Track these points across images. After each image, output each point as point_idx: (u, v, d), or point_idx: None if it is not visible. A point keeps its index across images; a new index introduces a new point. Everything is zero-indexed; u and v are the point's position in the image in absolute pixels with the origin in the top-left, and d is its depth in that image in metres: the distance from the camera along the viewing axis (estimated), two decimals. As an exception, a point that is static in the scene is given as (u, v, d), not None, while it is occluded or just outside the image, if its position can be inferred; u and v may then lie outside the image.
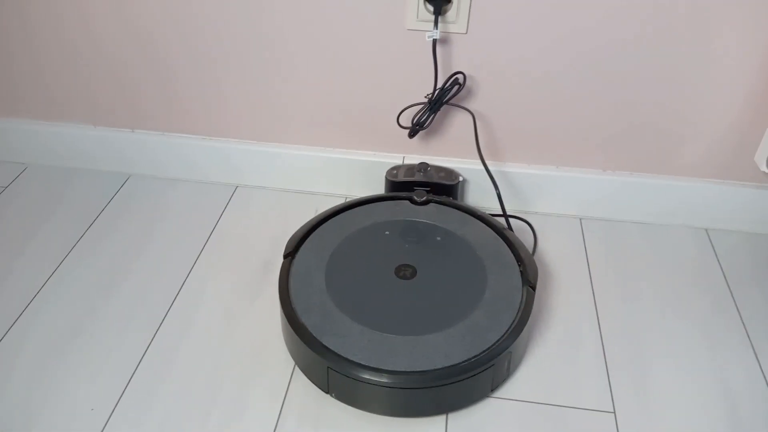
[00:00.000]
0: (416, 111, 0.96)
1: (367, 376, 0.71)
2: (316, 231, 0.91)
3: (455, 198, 1.01)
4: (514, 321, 0.78)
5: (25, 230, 1.03)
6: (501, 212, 0.98)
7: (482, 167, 0.96)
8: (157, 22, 0.97)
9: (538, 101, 0.96)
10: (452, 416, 0.76)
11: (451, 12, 0.88)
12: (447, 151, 1.04)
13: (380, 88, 0.98)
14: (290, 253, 0.87)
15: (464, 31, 0.90)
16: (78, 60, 1.04)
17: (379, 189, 1.06)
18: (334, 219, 0.93)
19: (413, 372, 0.72)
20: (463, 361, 0.73)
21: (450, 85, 0.93)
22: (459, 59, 0.93)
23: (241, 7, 0.93)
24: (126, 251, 0.99)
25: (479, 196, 1.07)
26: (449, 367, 0.72)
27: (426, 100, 0.95)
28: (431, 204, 0.95)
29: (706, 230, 1.05)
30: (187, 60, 1.01)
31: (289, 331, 0.78)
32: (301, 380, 0.80)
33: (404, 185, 1.00)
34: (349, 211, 0.94)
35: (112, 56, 1.02)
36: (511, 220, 1.01)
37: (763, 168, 0.94)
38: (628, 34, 0.88)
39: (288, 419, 0.76)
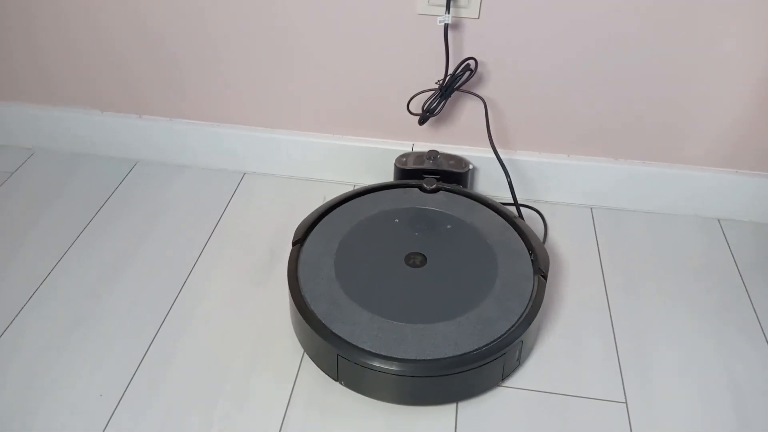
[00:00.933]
0: (427, 97, 0.95)
1: (377, 364, 0.71)
2: (325, 218, 0.90)
3: (465, 186, 1.00)
4: (525, 310, 0.77)
5: (31, 215, 1.02)
6: (511, 201, 0.97)
7: (493, 155, 0.95)
8: (164, 8, 0.96)
9: (551, 89, 0.95)
10: (462, 405, 0.76)
11: (463, -4, 0.87)
12: (457, 139, 1.03)
13: (390, 73, 0.97)
14: (299, 241, 0.86)
15: (476, 16, 0.89)
16: (85, 45, 1.03)
17: (388, 177, 1.05)
18: (342, 206, 0.92)
19: (423, 360, 0.71)
20: (474, 350, 0.72)
21: (461, 71, 0.92)
22: (471, 45, 0.92)
23: (249, -9, 0.92)
24: (133, 238, 0.98)
25: (489, 185, 1.06)
26: (459, 355, 0.72)
27: (437, 86, 0.94)
28: (441, 192, 0.94)
29: (719, 220, 1.04)
30: (194, 46, 1.00)
31: (298, 318, 0.78)
32: (310, 368, 0.79)
33: (414, 173, 0.99)
34: (358, 198, 0.94)
35: (119, 41, 1.01)
36: (521, 209, 1.00)
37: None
38: (642, 24, 0.87)
39: (297, 407, 0.75)
